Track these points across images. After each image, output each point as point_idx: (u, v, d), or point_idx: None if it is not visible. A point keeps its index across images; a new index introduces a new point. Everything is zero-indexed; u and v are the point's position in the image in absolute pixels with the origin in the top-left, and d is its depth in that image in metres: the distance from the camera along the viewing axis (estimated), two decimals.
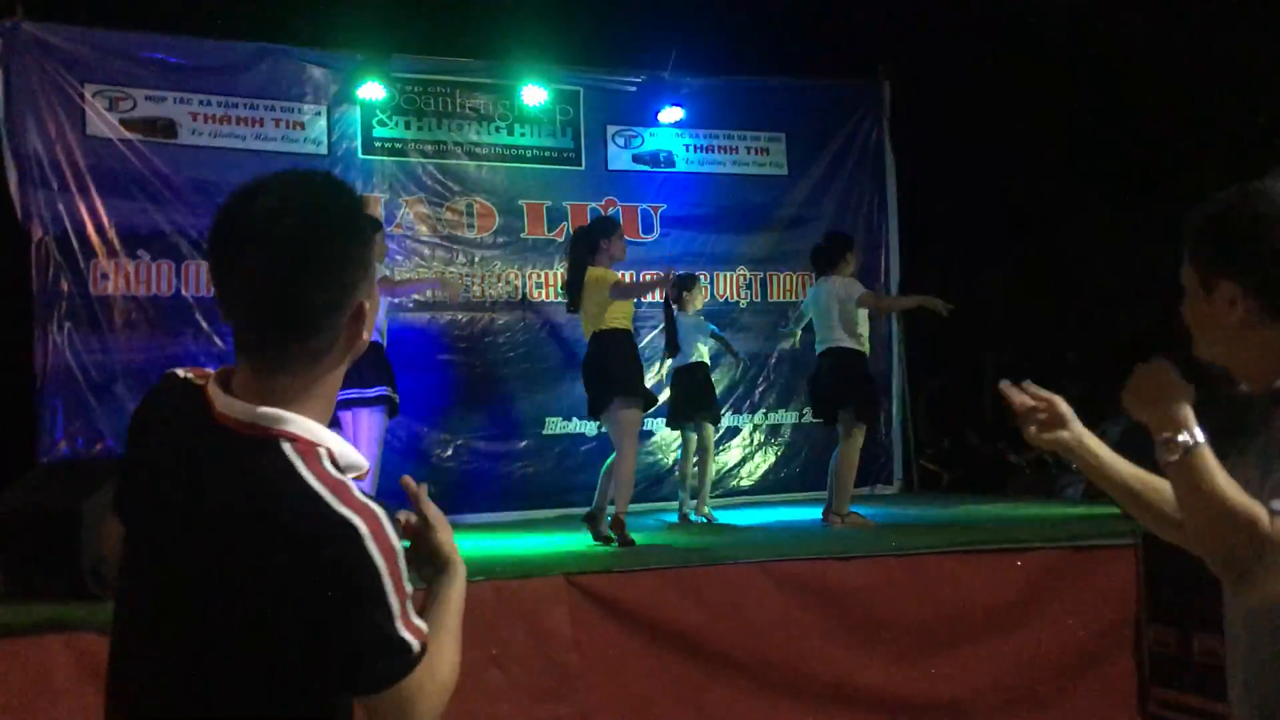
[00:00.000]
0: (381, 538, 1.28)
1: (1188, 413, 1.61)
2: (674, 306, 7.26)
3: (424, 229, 8.03)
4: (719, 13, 8.28)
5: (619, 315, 5.97)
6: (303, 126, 7.80)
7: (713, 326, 7.48)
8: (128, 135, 7.29)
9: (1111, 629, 5.02)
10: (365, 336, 1.42)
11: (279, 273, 1.30)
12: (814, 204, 9.04)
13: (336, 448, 1.37)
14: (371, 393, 5.80)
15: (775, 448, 8.88)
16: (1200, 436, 1.60)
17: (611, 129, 8.66)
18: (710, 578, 4.69)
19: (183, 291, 7.36)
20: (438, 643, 1.39)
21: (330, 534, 1.26)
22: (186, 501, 1.32)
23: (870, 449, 8.74)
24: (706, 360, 7.35)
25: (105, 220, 7.19)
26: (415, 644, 1.32)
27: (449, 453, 7.86)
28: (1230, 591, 1.63)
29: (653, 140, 8.75)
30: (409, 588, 1.33)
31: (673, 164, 8.81)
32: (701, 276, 7.85)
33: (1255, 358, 1.71)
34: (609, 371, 5.87)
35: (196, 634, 1.30)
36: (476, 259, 8.17)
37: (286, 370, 1.34)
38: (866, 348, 6.66)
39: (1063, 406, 1.90)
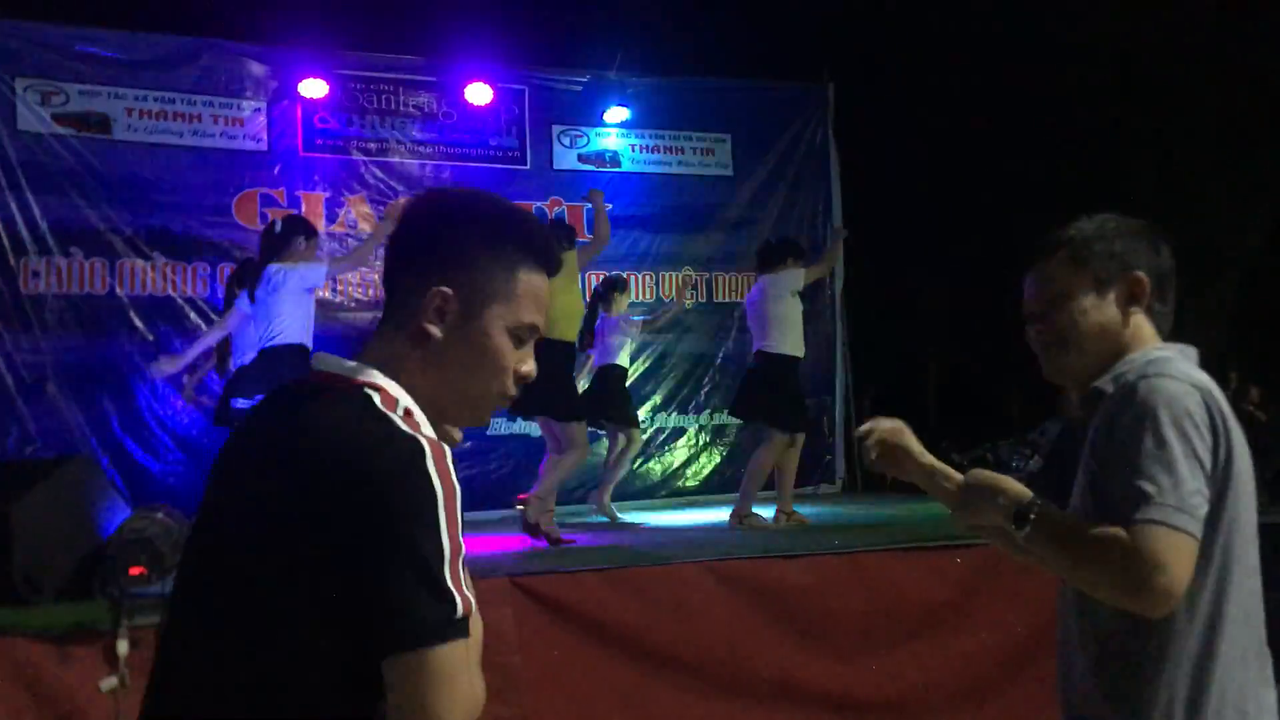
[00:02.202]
0: (443, 465, 1.21)
1: (1010, 486, 1.71)
2: (599, 306, 7.29)
3: (366, 228, 7.94)
4: (665, 13, 8.30)
5: (568, 325, 5.91)
6: (242, 123, 7.68)
7: (635, 318, 7.43)
8: (60, 130, 7.14)
9: (1049, 624, 5.08)
10: (468, 345, 1.36)
11: (391, 248, 1.44)
12: (759, 205, 9.08)
13: (421, 419, 1.31)
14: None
15: (720, 448, 8.91)
16: (1030, 496, 1.68)
17: (557, 128, 8.64)
18: (654, 578, 4.68)
19: (117, 290, 7.21)
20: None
21: (393, 444, 1.20)
22: (253, 443, 1.34)
23: (814, 449, 8.81)
24: (625, 364, 7.36)
25: (37, 217, 7.04)
26: (459, 607, 1.18)
27: None
28: (1147, 613, 1.62)
29: (598, 140, 8.74)
30: (462, 544, 1.20)
31: (618, 164, 8.80)
32: (629, 277, 7.88)
33: (1114, 353, 1.81)
34: (560, 389, 5.80)
35: (246, 578, 1.23)
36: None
37: (379, 336, 1.38)
38: (800, 350, 6.56)
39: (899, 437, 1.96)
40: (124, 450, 7.12)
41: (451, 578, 1.17)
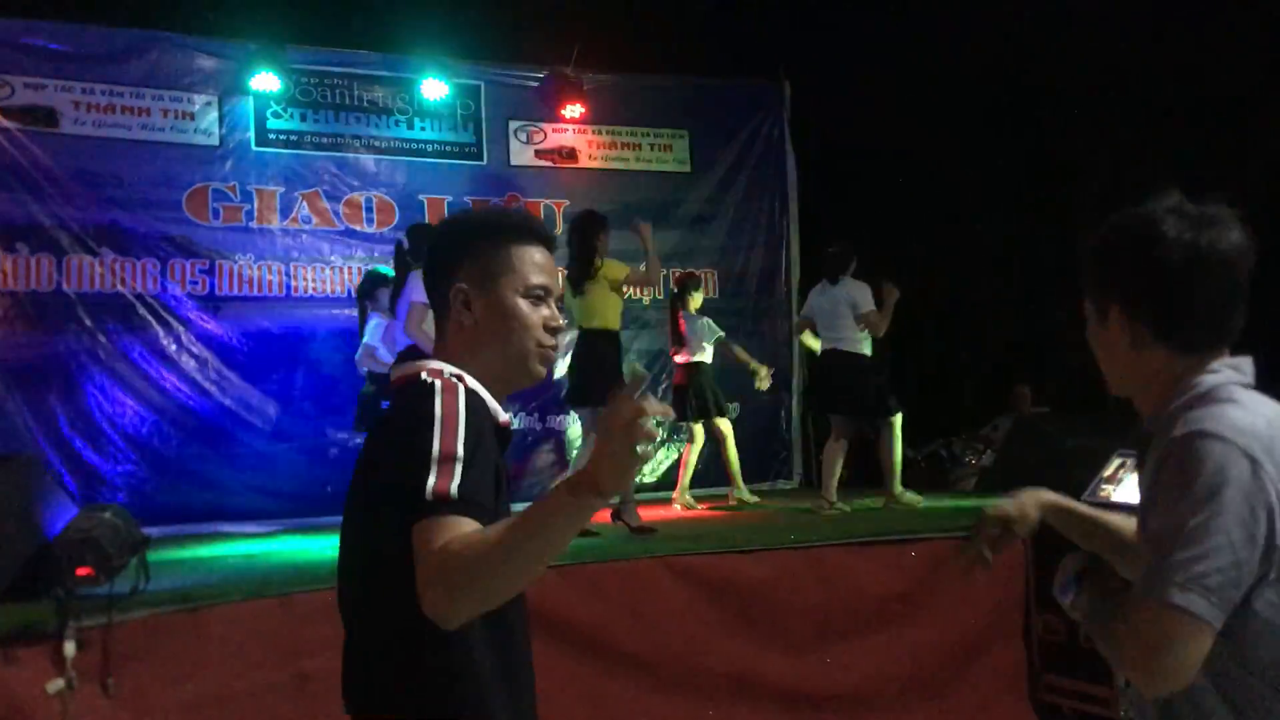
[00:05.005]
0: (449, 397, 1.51)
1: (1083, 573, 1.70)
2: (677, 305, 7.41)
3: (321, 223, 7.88)
4: (622, 10, 8.28)
5: (614, 315, 5.98)
6: (192, 117, 7.58)
7: (719, 333, 7.43)
8: (5, 124, 7.03)
9: (1001, 617, 5.15)
10: (497, 328, 1.65)
11: (424, 273, 1.78)
12: (716, 201, 9.11)
13: (472, 383, 1.60)
14: None
15: (676, 445, 8.91)
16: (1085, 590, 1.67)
17: (514, 124, 8.61)
18: (610, 573, 4.68)
19: (64, 286, 7.09)
20: (481, 533, 1.37)
21: (411, 387, 1.56)
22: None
23: (771, 446, 8.84)
24: (709, 360, 7.39)
25: None
26: (429, 492, 1.39)
27: (340, 452, 7.71)
28: (1147, 693, 1.53)
29: (555, 136, 8.71)
30: (461, 450, 1.44)
31: (575, 160, 8.79)
32: (702, 275, 8.22)
33: (1148, 384, 1.62)
34: (608, 375, 5.77)
35: (354, 505, 1.62)
36: (375, 254, 8.04)
37: (439, 335, 1.72)
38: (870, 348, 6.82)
39: (1020, 508, 1.93)
40: (71, 449, 7.00)
41: (436, 472, 1.41)
